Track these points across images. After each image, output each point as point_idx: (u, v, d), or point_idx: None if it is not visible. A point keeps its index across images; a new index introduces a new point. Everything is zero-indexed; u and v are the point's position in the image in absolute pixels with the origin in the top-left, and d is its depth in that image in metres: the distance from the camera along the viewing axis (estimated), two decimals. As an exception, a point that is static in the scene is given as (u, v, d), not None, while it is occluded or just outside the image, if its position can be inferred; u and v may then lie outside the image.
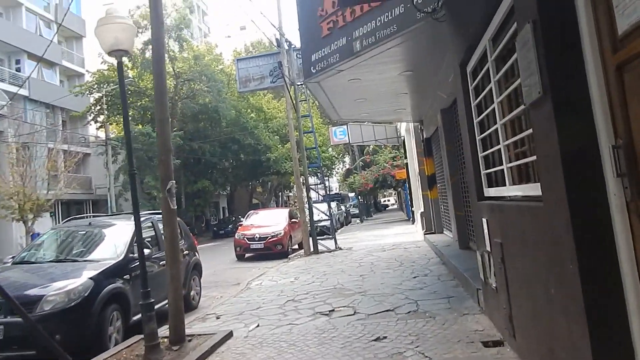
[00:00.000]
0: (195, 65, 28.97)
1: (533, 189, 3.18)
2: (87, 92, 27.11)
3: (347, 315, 6.14)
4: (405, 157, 21.52)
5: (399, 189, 36.10)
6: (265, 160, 32.77)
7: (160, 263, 7.53)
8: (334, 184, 68.12)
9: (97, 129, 28.98)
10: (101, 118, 27.31)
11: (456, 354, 4.17)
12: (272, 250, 15.96)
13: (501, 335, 4.44)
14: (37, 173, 19.30)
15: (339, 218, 29.11)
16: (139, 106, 28.26)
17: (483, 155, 4.77)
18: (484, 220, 4.60)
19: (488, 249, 4.55)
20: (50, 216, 24.93)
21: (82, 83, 28.59)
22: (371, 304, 6.68)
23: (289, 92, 15.16)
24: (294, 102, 15.26)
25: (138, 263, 6.52)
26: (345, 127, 25.79)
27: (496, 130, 4.03)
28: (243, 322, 6.58)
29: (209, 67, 29.12)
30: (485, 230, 4.53)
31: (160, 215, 8.85)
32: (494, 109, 3.97)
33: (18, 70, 26.45)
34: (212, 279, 12.32)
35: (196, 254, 9.16)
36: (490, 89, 3.97)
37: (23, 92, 26.17)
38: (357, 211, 37.54)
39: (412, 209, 21.91)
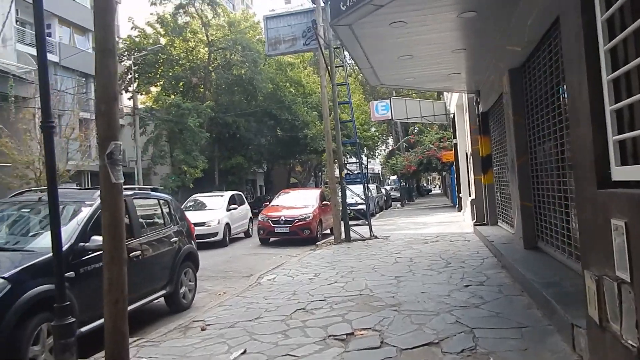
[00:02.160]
0: (230, 32, 27.15)
1: None
2: (117, 60, 25.78)
3: (371, 349, 4.22)
4: (454, 137, 19.19)
5: (444, 173, 33.55)
6: (303, 137, 30.90)
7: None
8: (377, 166, 65.67)
9: (128, 99, 27.79)
10: (133, 87, 26.02)
11: None
12: (299, 235, 14.18)
13: None
14: (57, 142, 18.12)
15: (377, 202, 27.04)
16: (171, 75, 26.79)
17: (615, 109, 2.70)
18: (618, 224, 2.55)
19: (625, 276, 2.51)
20: (77, 187, 24.08)
21: (112, 50, 27.35)
22: (407, 327, 4.73)
23: (324, 56, 13.14)
24: (329, 67, 13.23)
25: (91, 255, 4.88)
26: (387, 101, 23.54)
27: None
28: (228, 342, 4.79)
29: (244, 36, 27.25)
30: (623, 243, 2.49)
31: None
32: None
33: (48, 35, 25.44)
34: (223, 268, 10.67)
35: (192, 241, 7.40)
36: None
37: (53, 57, 25.25)
38: (398, 195, 35.31)
39: (460, 194, 19.64)
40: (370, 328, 4.81)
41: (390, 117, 24.42)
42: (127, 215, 5.85)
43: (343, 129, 20.97)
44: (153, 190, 7.15)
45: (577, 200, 3.41)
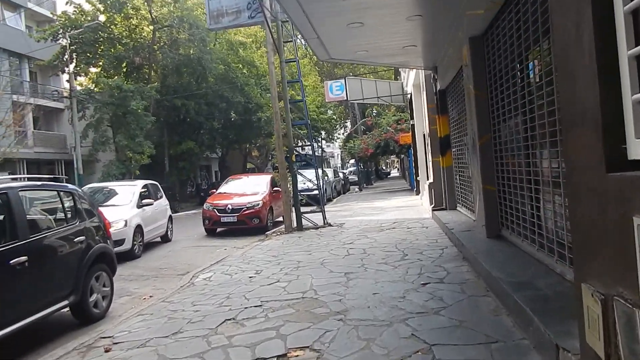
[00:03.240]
0: (176, 9, 25.40)
1: None
2: (51, 38, 23.75)
3: (303, 381, 3.32)
4: (412, 118, 18.50)
5: (402, 156, 33.06)
6: (257, 120, 29.62)
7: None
8: (336, 150, 65.00)
9: (67, 80, 25.69)
10: (70, 68, 23.96)
11: None
12: (248, 224, 13.14)
13: None
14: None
15: (335, 186, 26.23)
16: (112, 55, 24.88)
17: (636, 54, 1.82)
18: (646, 224, 1.68)
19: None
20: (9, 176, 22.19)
21: (46, 28, 25.19)
22: (352, 345, 3.84)
23: (270, 30, 12.04)
24: (276, 42, 12.14)
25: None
26: (342, 81, 22.61)
27: None
28: (129, 371, 3.79)
29: (191, 13, 25.56)
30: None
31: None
32: None
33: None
34: (158, 264, 9.57)
35: (107, 240, 6.27)
36: None
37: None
38: (357, 178, 34.68)
39: (417, 178, 19.04)
40: (307, 347, 3.89)
41: (345, 98, 23.52)
42: (8, 213, 4.70)
43: (295, 111, 19.91)
44: (52, 180, 5.97)
45: (569, 187, 2.54)
